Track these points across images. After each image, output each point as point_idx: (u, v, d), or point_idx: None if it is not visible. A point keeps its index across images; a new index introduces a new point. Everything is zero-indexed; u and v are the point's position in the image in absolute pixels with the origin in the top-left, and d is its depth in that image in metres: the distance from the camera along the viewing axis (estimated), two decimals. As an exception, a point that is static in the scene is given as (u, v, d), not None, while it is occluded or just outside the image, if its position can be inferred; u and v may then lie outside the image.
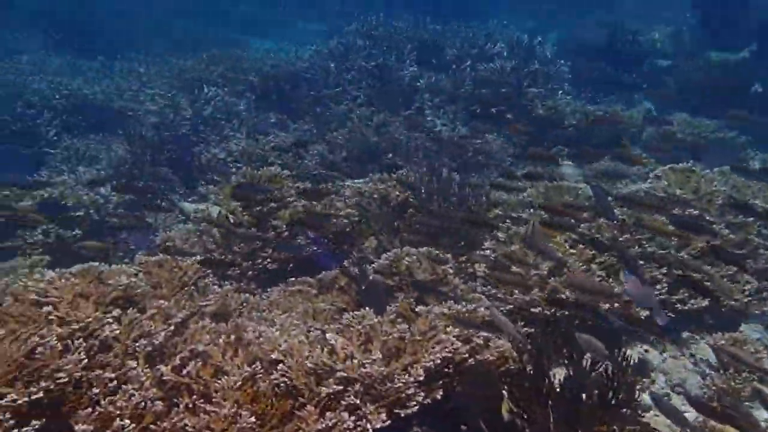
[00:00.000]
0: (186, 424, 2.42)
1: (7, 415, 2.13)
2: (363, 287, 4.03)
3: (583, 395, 2.96)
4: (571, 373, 3.03)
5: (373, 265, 4.29)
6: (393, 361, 2.86)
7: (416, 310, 3.37)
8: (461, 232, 5.10)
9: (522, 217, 4.94)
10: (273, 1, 23.77)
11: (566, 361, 3.08)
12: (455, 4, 15.11)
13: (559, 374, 3.08)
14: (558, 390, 2.97)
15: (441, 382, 2.87)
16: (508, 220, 4.89)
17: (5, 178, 5.85)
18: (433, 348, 2.90)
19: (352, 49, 10.54)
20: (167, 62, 12.28)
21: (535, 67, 9.78)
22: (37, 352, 2.34)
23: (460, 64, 10.07)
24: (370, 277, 4.09)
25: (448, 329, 3.03)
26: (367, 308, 3.15)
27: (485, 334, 3.06)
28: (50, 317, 2.69)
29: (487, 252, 4.48)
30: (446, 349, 2.88)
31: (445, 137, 8.11)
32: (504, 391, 3.10)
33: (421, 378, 2.73)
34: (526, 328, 3.66)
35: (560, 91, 9.79)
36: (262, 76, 10.82)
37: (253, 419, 2.48)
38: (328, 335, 2.92)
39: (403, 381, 2.69)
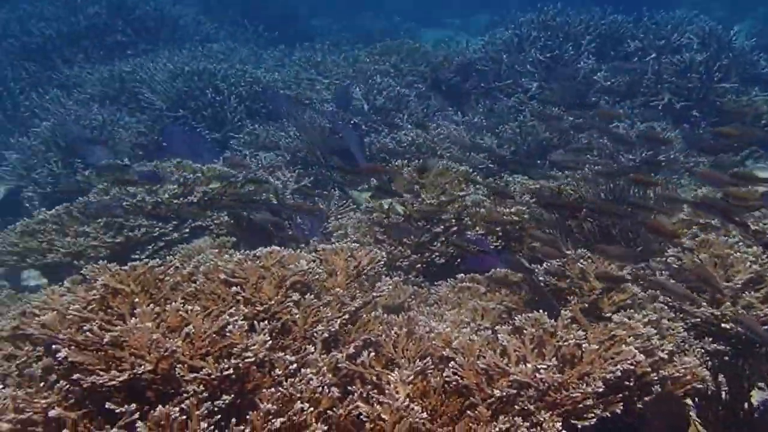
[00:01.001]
0: (360, 413, 2.46)
1: (201, 387, 2.27)
2: (533, 288, 3.92)
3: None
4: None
5: (545, 265, 4.14)
6: (567, 368, 2.74)
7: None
8: (639, 237, 4.80)
9: (711, 223, 4.56)
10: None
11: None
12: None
13: (756, 397, 2.81)
14: (759, 418, 2.70)
15: (621, 395, 2.71)
16: (695, 227, 4.53)
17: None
18: (613, 358, 2.75)
19: (526, 40, 10.26)
20: (343, 51, 12.67)
21: (728, 60, 9.00)
22: (227, 330, 2.46)
23: (642, 57, 9.50)
24: (540, 278, 3.97)
25: (629, 339, 2.86)
26: (540, 311, 3.04)
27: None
28: (237, 297, 2.83)
29: (671, 259, 4.18)
30: (627, 361, 2.72)
31: (622, 134, 7.67)
32: (691, 413, 2.88)
33: (600, 389, 2.59)
34: (714, 345, 3.37)
35: (756, 87, 8.95)
36: (433, 67, 10.84)
37: (424, 414, 2.46)
38: (500, 336, 2.85)
39: (581, 391, 2.57)
